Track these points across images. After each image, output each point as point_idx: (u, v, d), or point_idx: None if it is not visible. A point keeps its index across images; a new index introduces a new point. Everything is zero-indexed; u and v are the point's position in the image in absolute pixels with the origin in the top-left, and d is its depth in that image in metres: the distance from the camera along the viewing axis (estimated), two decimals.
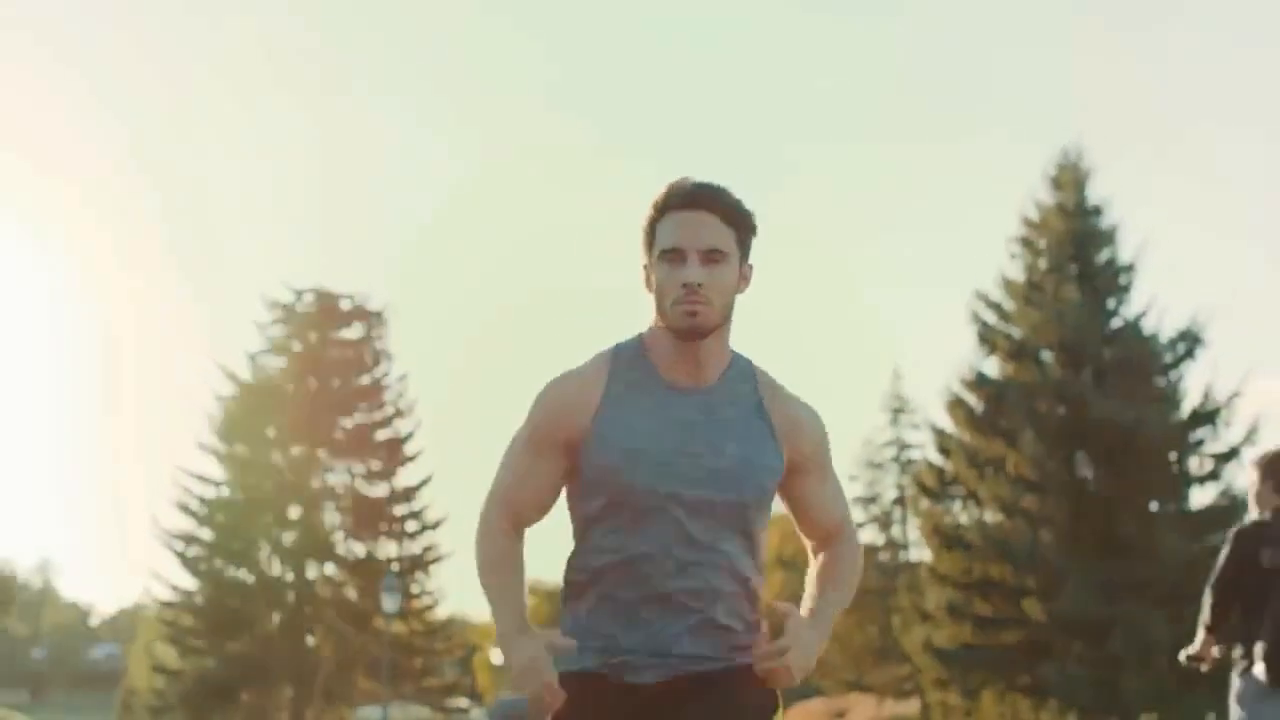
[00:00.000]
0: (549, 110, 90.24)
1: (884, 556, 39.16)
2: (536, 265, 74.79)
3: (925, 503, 30.02)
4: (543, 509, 2.87)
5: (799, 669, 2.74)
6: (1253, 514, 6.02)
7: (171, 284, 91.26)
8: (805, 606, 2.90)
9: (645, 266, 2.83)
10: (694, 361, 2.79)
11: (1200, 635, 5.97)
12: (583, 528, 2.82)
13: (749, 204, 2.82)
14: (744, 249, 2.81)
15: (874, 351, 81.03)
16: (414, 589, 35.47)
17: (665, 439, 2.76)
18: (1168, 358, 27.86)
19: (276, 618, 34.70)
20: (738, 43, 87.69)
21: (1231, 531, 6.04)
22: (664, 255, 2.75)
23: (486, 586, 2.84)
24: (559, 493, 2.86)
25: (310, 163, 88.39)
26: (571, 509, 2.86)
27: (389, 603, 29.66)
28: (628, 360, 2.83)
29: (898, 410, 39.67)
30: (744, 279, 2.83)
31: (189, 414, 67.26)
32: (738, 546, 2.79)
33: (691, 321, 2.72)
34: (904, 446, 39.55)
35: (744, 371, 2.86)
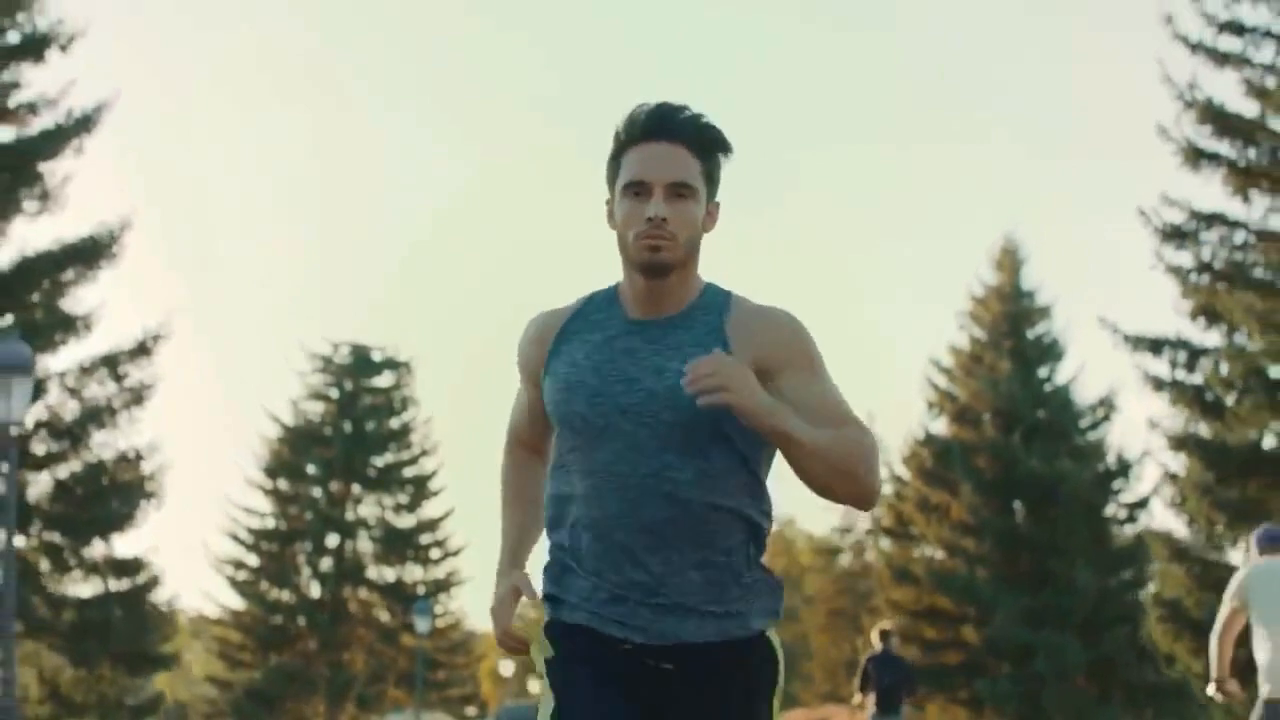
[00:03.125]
0: (549, 121, 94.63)
1: (861, 584, 45.61)
2: (542, 280, 79.23)
3: (886, 540, 36.57)
4: (544, 435, 2.99)
5: (730, 379, 2.56)
6: (876, 648, 14.35)
7: (169, 288, 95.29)
8: None
9: (608, 201, 2.81)
10: (658, 298, 2.78)
11: (858, 696, 14.27)
12: (553, 461, 2.89)
13: (720, 127, 2.79)
14: (712, 182, 2.79)
15: (872, 354, 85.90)
16: (438, 609, 41.73)
17: (605, 369, 2.76)
18: (1088, 420, 34.32)
19: (315, 635, 39.90)
20: (738, 52, 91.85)
21: (865, 656, 14.28)
22: (628, 189, 2.74)
23: (502, 517, 3.03)
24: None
25: (309, 169, 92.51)
26: None
27: (422, 624, 36.15)
28: (599, 302, 2.87)
29: None
30: (710, 217, 2.80)
31: (181, 428, 73.16)
32: (697, 471, 2.71)
33: (653, 257, 2.71)
34: None
35: (713, 302, 2.81)
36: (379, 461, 41.65)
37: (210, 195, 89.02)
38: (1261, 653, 7.08)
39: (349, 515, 41.23)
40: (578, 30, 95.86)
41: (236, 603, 40.65)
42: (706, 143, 2.77)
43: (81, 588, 22.06)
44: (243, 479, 41.22)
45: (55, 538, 21.09)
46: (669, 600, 2.73)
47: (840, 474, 2.66)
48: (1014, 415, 33.74)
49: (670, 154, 2.73)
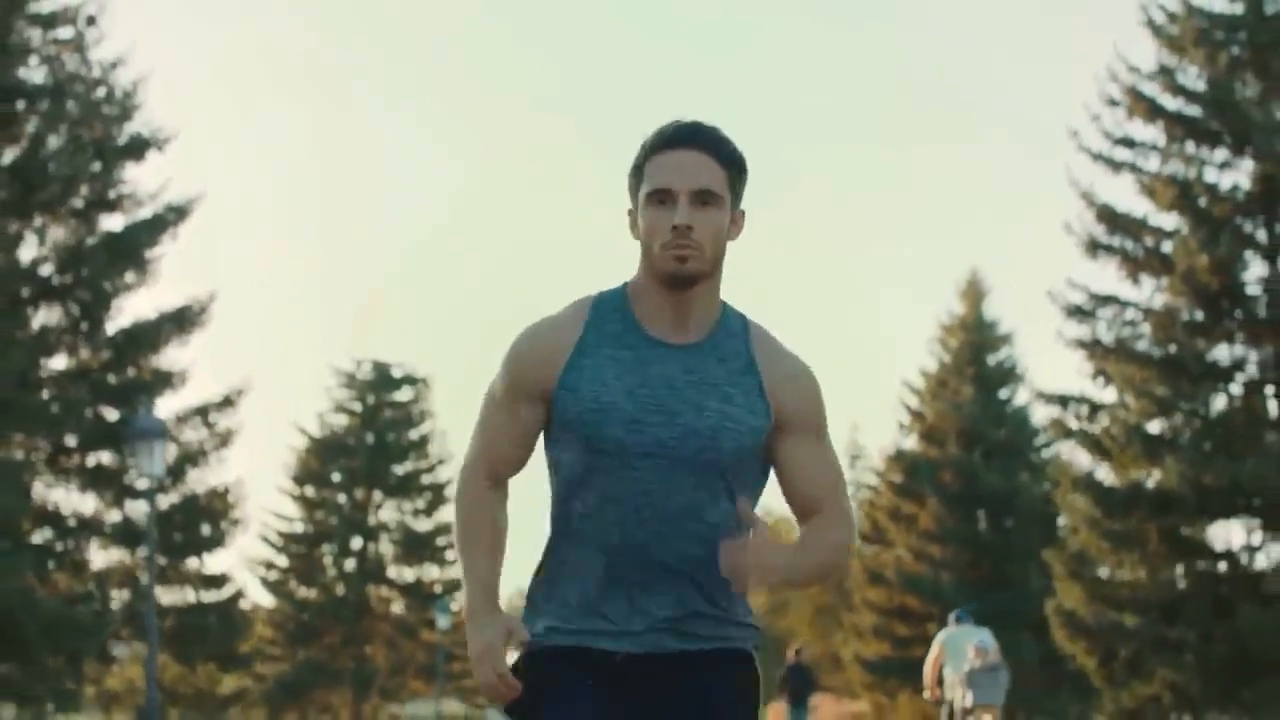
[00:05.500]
0: (550, 121, 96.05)
1: (844, 583, 51.00)
2: (546, 284, 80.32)
3: (862, 544, 42.10)
4: (519, 463, 2.94)
5: (760, 570, 2.70)
6: (791, 660, 20.52)
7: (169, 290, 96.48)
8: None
9: (631, 212, 2.85)
10: (681, 314, 2.80)
11: (778, 694, 20.25)
12: (555, 481, 2.89)
13: (741, 148, 2.85)
14: (736, 193, 2.83)
15: (873, 351, 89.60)
16: (454, 606, 46.81)
17: (640, 394, 2.78)
18: (1043, 439, 39.76)
19: (340, 630, 44.37)
20: (739, 49, 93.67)
21: (786, 666, 20.51)
22: (652, 197, 2.77)
23: (462, 555, 2.89)
24: (534, 444, 2.93)
25: (309, 169, 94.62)
26: (547, 459, 2.92)
27: (442, 620, 41.53)
28: (609, 310, 2.86)
29: (855, 457, 51.81)
30: (736, 225, 2.84)
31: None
32: (721, 512, 2.80)
33: (680, 267, 2.73)
34: (859, 488, 51.43)
35: (735, 327, 2.87)
36: (399, 470, 46.24)
37: (213, 199, 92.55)
38: (947, 678, 15.38)
39: (371, 520, 45.83)
40: (578, 29, 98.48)
41: (267, 600, 45.18)
42: (730, 157, 2.81)
43: (179, 598, 27.79)
44: (273, 486, 46.47)
45: (158, 557, 26.61)
46: (676, 630, 2.82)
47: (817, 579, 2.93)
48: (976, 435, 39.21)
49: (696, 161, 2.77)
